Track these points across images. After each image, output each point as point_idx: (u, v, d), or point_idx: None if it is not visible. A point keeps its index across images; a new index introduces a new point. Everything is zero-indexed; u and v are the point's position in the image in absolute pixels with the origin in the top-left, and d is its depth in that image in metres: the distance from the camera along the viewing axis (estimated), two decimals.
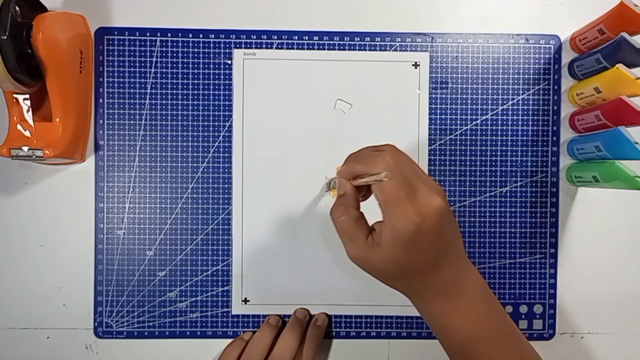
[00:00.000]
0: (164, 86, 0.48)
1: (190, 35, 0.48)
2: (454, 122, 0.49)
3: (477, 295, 0.36)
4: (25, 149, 0.42)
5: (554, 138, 0.49)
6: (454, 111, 0.49)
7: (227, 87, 0.48)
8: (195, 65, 0.48)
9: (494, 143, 0.49)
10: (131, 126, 0.48)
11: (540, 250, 0.49)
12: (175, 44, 0.48)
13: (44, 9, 0.43)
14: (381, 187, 0.33)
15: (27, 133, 0.44)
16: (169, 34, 0.48)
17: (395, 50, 0.49)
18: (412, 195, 0.32)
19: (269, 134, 0.49)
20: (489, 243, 0.49)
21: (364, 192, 0.38)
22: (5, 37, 0.38)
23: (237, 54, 0.48)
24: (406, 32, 0.49)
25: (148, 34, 0.48)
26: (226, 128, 0.49)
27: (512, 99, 0.49)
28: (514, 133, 0.49)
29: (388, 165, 0.33)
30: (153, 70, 0.48)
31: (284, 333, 0.46)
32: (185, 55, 0.48)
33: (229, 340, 0.49)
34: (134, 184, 0.48)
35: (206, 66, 0.48)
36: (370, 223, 0.36)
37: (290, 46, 0.49)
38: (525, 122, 0.49)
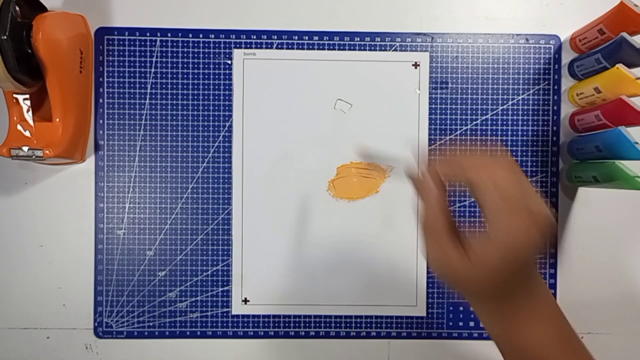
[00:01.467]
0: (164, 86, 0.48)
1: (190, 35, 0.48)
2: (454, 122, 0.49)
3: (549, 308, 0.34)
4: (25, 149, 0.42)
5: (554, 138, 0.49)
6: (454, 111, 0.49)
7: (227, 87, 0.48)
8: (195, 65, 0.48)
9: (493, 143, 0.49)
10: (131, 126, 0.48)
11: (540, 251, 0.49)
12: (175, 44, 0.48)
13: (43, 9, 0.43)
14: (492, 198, 0.30)
15: (27, 133, 0.44)
16: (169, 34, 0.48)
17: (395, 50, 0.49)
18: (528, 207, 0.30)
19: (269, 134, 0.49)
20: None
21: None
22: (5, 37, 0.38)
23: (237, 54, 0.48)
24: (406, 32, 0.49)
25: (148, 34, 0.48)
26: (226, 128, 0.49)
27: (512, 99, 0.49)
28: (514, 133, 0.49)
29: (508, 169, 0.31)
30: (153, 70, 0.48)
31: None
32: (185, 55, 0.48)
33: (229, 340, 0.49)
34: (134, 184, 0.48)
35: (206, 66, 0.48)
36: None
37: (290, 46, 0.49)
38: (525, 122, 0.49)
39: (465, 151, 0.33)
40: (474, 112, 0.49)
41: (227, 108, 0.48)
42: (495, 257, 0.30)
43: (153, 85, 0.48)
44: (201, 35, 0.48)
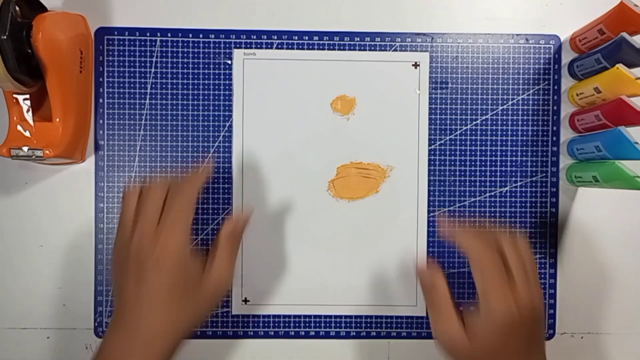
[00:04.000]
0: (164, 86, 0.48)
1: (190, 35, 0.48)
2: (454, 122, 0.49)
3: None
4: (25, 149, 0.42)
5: (554, 138, 0.49)
6: (454, 111, 0.49)
7: (227, 87, 0.48)
8: (195, 65, 0.48)
9: (494, 143, 0.49)
10: (131, 126, 0.48)
11: (540, 251, 0.49)
12: (175, 44, 0.48)
13: (43, 9, 0.43)
14: (484, 274, 0.36)
15: (27, 133, 0.44)
16: (169, 34, 0.48)
17: (395, 50, 0.49)
18: (513, 286, 0.36)
19: (269, 134, 0.49)
20: None
21: None
22: (5, 37, 0.38)
23: (237, 54, 0.48)
24: (406, 32, 0.49)
25: (148, 34, 0.48)
26: (226, 128, 0.49)
27: (512, 99, 0.49)
28: (514, 133, 0.49)
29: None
30: (153, 70, 0.48)
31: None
32: (185, 55, 0.48)
33: (229, 341, 0.49)
34: (134, 184, 0.48)
35: (206, 66, 0.48)
36: None
37: (290, 46, 0.49)
38: (525, 122, 0.49)
39: (472, 226, 0.41)
40: (474, 112, 0.49)
41: (227, 108, 0.48)
42: (486, 323, 0.36)
43: (153, 85, 0.48)
44: (201, 35, 0.48)
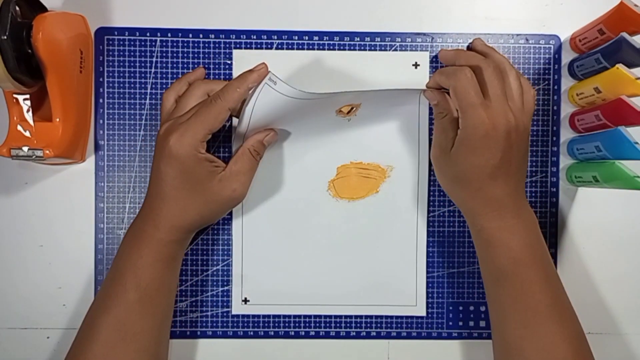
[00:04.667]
0: (164, 86, 0.48)
1: (190, 35, 0.48)
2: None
3: (529, 225, 0.40)
4: (25, 149, 0.42)
5: (554, 138, 0.49)
6: None
7: None
8: (195, 65, 0.48)
9: None
10: (131, 126, 0.48)
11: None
12: (175, 44, 0.48)
13: (43, 9, 0.43)
14: (458, 93, 0.39)
15: (27, 133, 0.44)
16: (169, 34, 0.48)
17: (395, 50, 0.49)
18: (489, 105, 0.38)
19: None
20: None
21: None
22: (5, 37, 0.38)
23: (237, 54, 0.48)
24: (406, 32, 0.49)
25: (148, 34, 0.48)
26: (226, 128, 0.49)
27: None
28: None
29: (466, 80, 0.39)
30: (153, 70, 0.48)
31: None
32: (185, 55, 0.48)
33: (229, 341, 0.49)
34: (134, 184, 0.48)
35: (206, 66, 0.48)
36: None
37: (290, 46, 0.49)
38: None
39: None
40: None
41: None
42: (461, 136, 0.40)
43: (153, 85, 0.48)
44: (201, 35, 0.48)
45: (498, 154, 0.39)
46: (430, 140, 0.49)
